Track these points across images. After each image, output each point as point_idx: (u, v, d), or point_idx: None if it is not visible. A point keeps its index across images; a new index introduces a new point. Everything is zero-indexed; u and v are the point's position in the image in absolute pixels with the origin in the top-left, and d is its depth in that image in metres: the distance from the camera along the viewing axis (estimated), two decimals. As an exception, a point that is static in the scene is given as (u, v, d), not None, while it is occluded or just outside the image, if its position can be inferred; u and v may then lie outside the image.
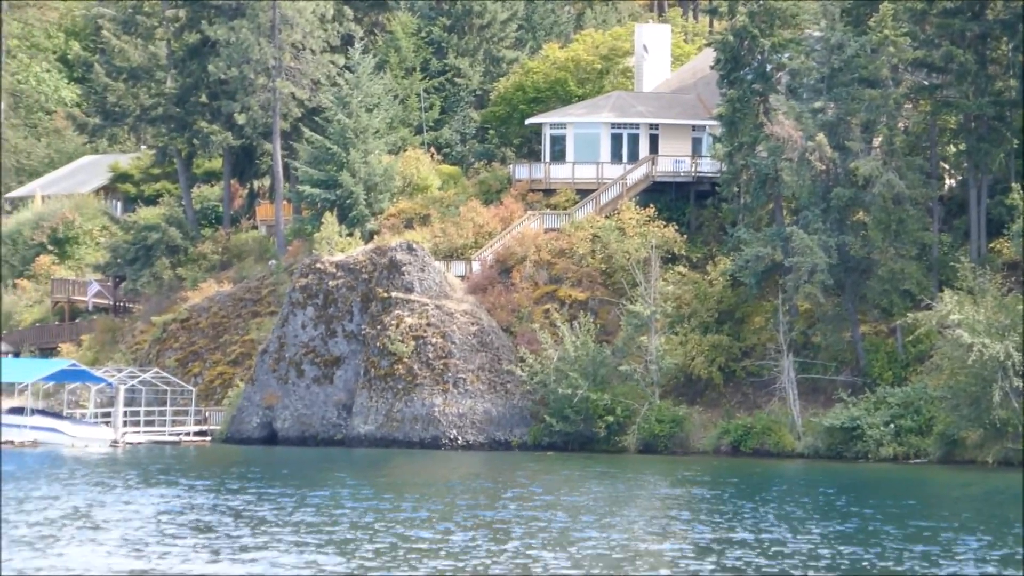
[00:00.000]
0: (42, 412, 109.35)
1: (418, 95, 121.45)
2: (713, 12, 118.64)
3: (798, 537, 59.25)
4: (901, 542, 58.75)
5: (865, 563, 52.79)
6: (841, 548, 56.19)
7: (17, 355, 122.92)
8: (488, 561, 51.35)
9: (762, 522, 65.26)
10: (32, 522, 62.91)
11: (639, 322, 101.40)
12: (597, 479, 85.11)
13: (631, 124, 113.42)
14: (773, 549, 55.60)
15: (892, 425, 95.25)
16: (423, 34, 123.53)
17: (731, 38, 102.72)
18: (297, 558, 51.96)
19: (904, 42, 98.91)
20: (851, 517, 67.37)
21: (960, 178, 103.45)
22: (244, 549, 54.82)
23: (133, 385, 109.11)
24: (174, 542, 56.82)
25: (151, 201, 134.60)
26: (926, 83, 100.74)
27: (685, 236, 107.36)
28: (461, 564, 50.70)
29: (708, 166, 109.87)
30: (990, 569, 51.72)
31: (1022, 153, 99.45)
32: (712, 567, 51.05)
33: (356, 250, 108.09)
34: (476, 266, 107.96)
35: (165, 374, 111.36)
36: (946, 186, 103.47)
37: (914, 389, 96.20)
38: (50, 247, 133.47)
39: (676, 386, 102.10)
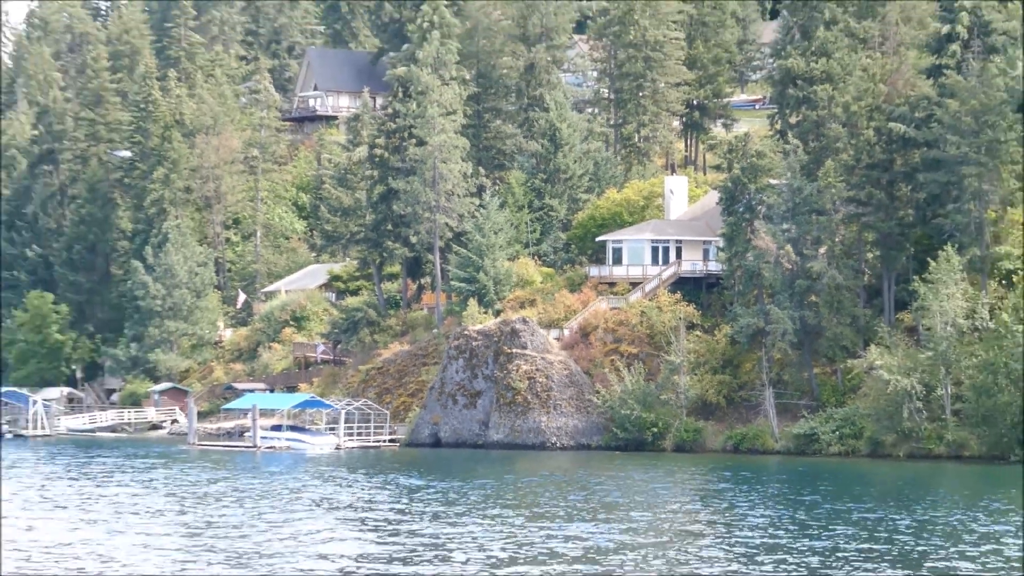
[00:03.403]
0: (291, 427, 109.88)
1: (526, 223, 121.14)
2: (718, 168, 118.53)
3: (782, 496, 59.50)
4: (846, 499, 59.13)
5: (818, 509, 53.01)
6: (804, 496, 56.49)
7: (272, 391, 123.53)
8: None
9: (762, 492, 65.67)
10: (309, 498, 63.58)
11: (672, 367, 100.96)
12: (656, 466, 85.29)
13: (664, 240, 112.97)
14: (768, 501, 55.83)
15: (837, 432, 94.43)
16: (529, 184, 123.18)
17: (730, 184, 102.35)
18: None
19: (841, 186, 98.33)
20: (814, 486, 67.63)
21: (877, 273, 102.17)
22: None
23: (349, 410, 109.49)
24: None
25: (354, 293, 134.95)
26: (855, 212, 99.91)
27: (700, 312, 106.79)
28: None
29: (714, 267, 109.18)
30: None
31: (916, 257, 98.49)
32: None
33: (489, 323, 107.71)
34: (566, 332, 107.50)
35: (368, 402, 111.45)
36: (868, 278, 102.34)
37: (850, 409, 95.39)
38: (291, 322, 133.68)
39: (696, 408, 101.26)
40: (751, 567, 44.10)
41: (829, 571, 43.34)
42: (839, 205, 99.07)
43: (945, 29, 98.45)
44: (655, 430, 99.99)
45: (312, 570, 43.36)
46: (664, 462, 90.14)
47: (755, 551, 47.87)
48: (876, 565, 44.46)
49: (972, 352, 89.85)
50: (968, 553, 47.26)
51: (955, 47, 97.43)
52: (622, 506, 60.80)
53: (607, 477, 76.64)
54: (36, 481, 78.23)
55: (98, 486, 74.24)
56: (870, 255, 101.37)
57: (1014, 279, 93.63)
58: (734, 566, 44.50)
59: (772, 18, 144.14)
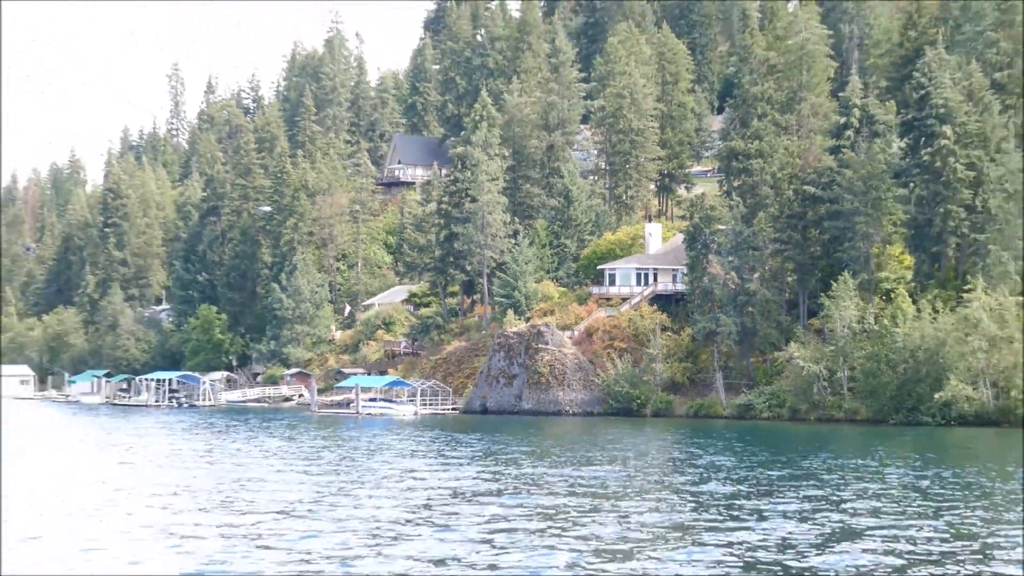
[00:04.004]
0: (383, 399, 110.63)
1: (548, 256, 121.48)
2: (683, 218, 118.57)
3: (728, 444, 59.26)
4: (773, 448, 58.96)
5: (759, 455, 52.79)
6: (749, 448, 56.29)
7: (369, 374, 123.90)
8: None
9: (710, 443, 65.62)
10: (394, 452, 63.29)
11: (651, 358, 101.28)
12: (642, 428, 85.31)
13: (645, 268, 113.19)
14: (717, 448, 55.61)
15: (767, 403, 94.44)
16: (550, 228, 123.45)
17: (691, 229, 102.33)
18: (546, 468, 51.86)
19: (769, 230, 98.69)
20: (745, 439, 67.38)
21: (795, 291, 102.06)
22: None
23: (423, 387, 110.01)
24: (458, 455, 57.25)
25: (426, 305, 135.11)
26: (779, 248, 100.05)
27: (670, 318, 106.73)
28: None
29: (681, 287, 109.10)
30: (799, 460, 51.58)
31: (823, 280, 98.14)
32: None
33: (522, 326, 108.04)
34: (576, 333, 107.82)
35: (437, 382, 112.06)
36: (788, 295, 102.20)
37: (776, 387, 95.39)
38: (382, 326, 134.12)
39: (668, 386, 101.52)
40: (712, 484, 44.45)
41: (772, 488, 43.58)
42: (768, 243, 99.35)
43: (843, 120, 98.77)
44: (639, 401, 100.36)
45: (415, 496, 43.17)
46: (646, 424, 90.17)
47: (714, 477, 48.20)
48: (800, 485, 44.72)
49: (862, 347, 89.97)
50: (868, 486, 47.51)
51: (850, 132, 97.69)
52: (626, 456, 60.95)
53: (612, 435, 76.66)
54: (216, 438, 78.89)
55: (254, 438, 74.69)
56: (790, 278, 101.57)
57: (892, 295, 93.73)
58: (702, 485, 44.85)
59: (719, 112, 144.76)
